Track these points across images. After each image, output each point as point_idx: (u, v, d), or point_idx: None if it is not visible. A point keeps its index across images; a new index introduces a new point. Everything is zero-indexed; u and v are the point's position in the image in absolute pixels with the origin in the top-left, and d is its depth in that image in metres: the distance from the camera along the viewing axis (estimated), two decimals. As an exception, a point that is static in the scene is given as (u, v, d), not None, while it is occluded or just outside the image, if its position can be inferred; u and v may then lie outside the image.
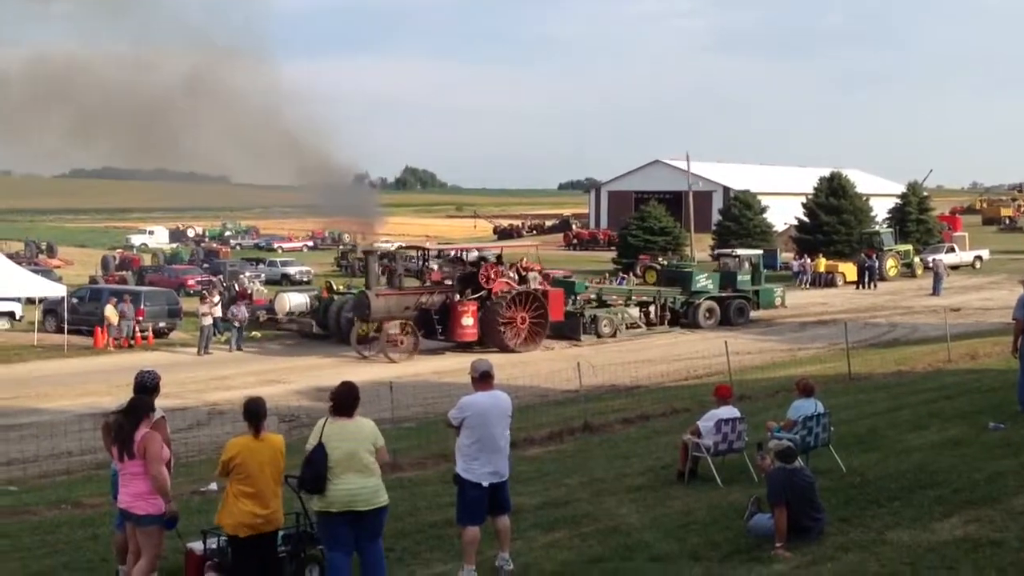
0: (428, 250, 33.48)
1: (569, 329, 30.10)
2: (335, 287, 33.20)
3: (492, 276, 28.31)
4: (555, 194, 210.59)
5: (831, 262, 49.70)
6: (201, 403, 20.58)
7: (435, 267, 29.97)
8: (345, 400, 7.06)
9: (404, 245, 36.62)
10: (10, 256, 40.55)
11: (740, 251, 38.41)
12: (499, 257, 31.75)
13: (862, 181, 70.49)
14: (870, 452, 11.82)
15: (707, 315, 32.88)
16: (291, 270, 51.44)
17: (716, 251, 43.90)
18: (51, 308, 31.89)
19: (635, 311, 32.30)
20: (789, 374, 20.81)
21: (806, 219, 59.63)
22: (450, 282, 28.99)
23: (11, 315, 32.70)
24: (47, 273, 38.78)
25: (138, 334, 30.01)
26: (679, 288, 33.22)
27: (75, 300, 32.00)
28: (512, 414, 7.86)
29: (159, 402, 7.79)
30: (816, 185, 61.12)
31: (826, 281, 47.94)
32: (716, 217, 67.61)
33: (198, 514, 9.68)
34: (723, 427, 10.80)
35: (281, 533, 7.34)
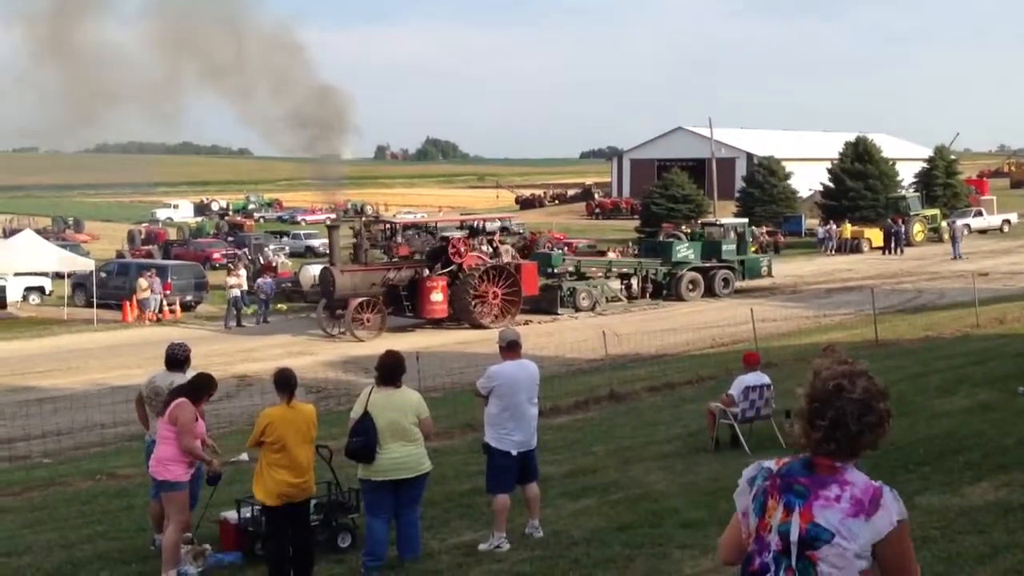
0: (395, 224, 31.83)
1: (546, 303, 29.34)
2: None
3: (462, 250, 27.29)
4: (577, 163, 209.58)
5: (857, 228, 49.24)
6: (229, 375, 20.75)
7: (402, 241, 28.81)
8: (391, 369, 7.15)
9: (370, 219, 35.28)
10: (38, 231, 41.00)
11: (724, 220, 37.36)
12: (472, 230, 30.07)
13: (888, 145, 69.58)
14: (899, 418, 11.64)
15: (690, 286, 31.88)
16: (314, 242, 51.67)
17: (700, 220, 42.47)
18: (80, 282, 32.25)
19: (616, 283, 31.51)
20: (815, 341, 20.70)
21: (831, 185, 59.05)
22: (419, 257, 27.92)
23: (41, 290, 33.11)
24: (75, 248, 39.18)
25: (165, 308, 30.30)
26: (659, 259, 32.36)
27: (103, 274, 32.33)
28: (539, 383, 7.90)
29: (190, 374, 7.89)
30: (841, 150, 60.43)
31: (852, 247, 47.53)
32: (740, 184, 67.04)
33: (230, 484, 9.80)
34: (750, 394, 10.80)
35: (313, 502, 7.45)
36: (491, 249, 28.37)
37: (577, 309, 29.40)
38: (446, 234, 28.72)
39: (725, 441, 11.00)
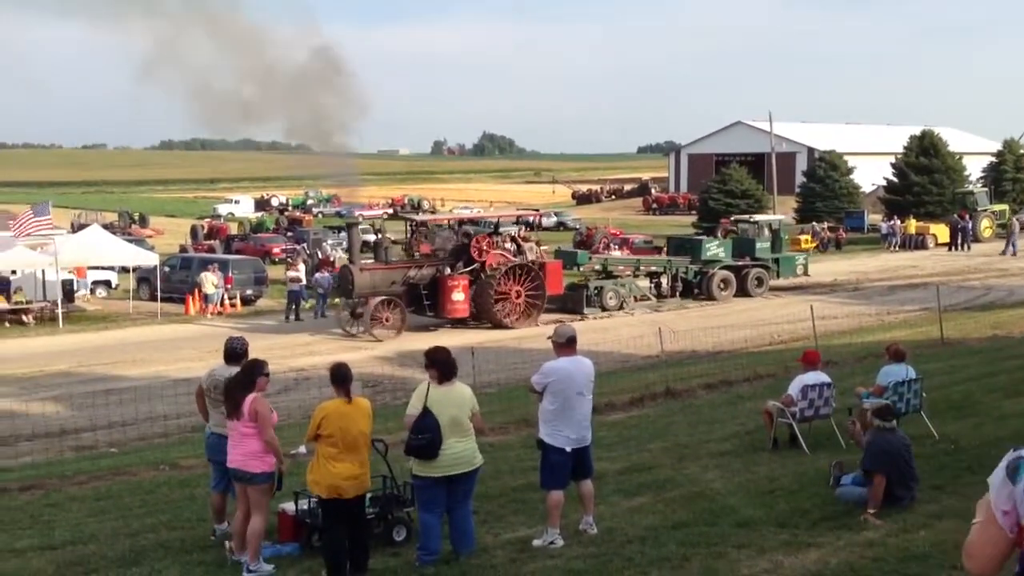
0: (416, 221, 30.91)
1: (572, 302, 28.44)
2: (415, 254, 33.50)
3: (484, 248, 26.37)
4: (634, 158, 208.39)
5: (922, 223, 48.16)
6: (287, 368, 21.04)
7: (424, 239, 27.94)
8: (450, 365, 7.17)
9: (388, 216, 34.74)
10: (105, 226, 42.04)
11: (759, 217, 36.12)
12: (496, 227, 29.29)
13: (955, 139, 67.91)
14: (964, 419, 11.49)
15: (721, 286, 30.68)
16: (371, 237, 52.09)
17: (733, 217, 41.09)
18: (144, 276, 32.98)
19: (645, 282, 30.69)
20: (878, 339, 20.30)
21: (895, 179, 57.81)
22: (441, 255, 27.16)
23: (107, 283, 33.95)
24: (140, 242, 40.04)
25: (226, 302, 30.84)
26: (688, 257, 31.22)
27: (167, 269, 33.03)
28: (594, 379, 7.87)
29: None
30: (906, 144, 59.13)
31: (916, 243, 46.49)
32: (800, 179, 66.02)
33: (288, 476, 9.90)
34: (810, 393, 10.61)
35: (369, 495, 7.51)
36: (515, 247, 27.57)
37: (604, 309, 28.44)
38: (468, 231, 28.16)
39: (783, 440, 10.83)
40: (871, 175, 64.43)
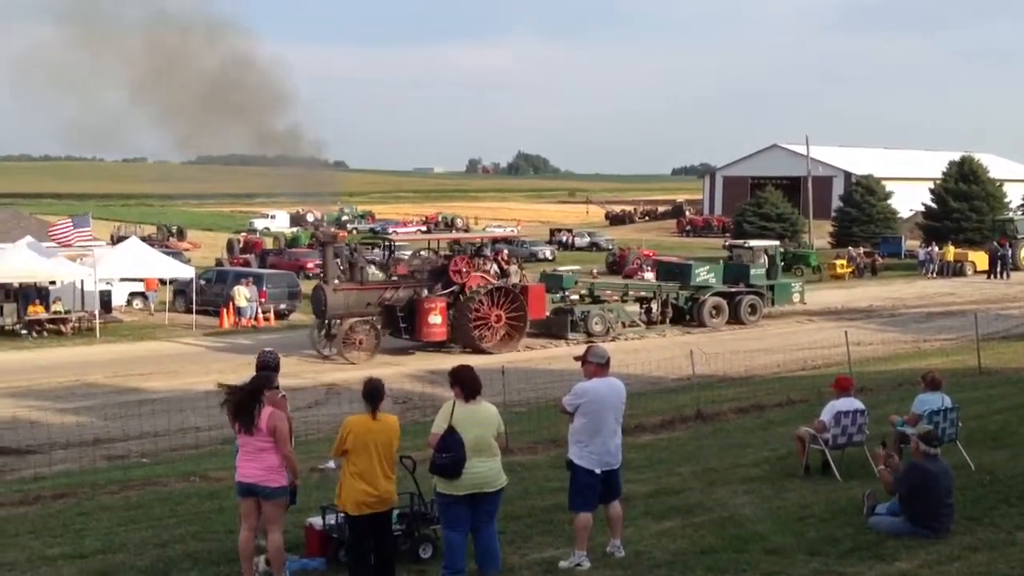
0: (393, 241, 29.92)
1: (556, 327, 27.55)
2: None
3: (464, 270, 25.51)
4: (668, 179, 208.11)
5: (960, 250, 47.55)
6: (319, 383, 21.19)
7: (402, 260, 26.89)
8: (475, 384, 7.16)
9: (367, 236, 33.59)
10: (143, 239, 42.63)
11: (754, 242, 35.00)
12: (479, 248, 28.17)
13: (995, 165, 67.16)
14: (1001, 449, 11.29)
15: (713, 312, 29.78)
16: (406, 254, 52.30)
17: (728, 242, 39.85)
18: (181, 289, 33.38)
19: (634, 308, 29.72)
20: (913, 366, 20.04)
21: (934, 205, 57.23)
22: (419, 276, 26.33)
23: (144, 296, 34.39)
24: (177, 255, 40.55)
25: (260, 315, 31.10)
26: (678, 283, 30.34)
27: (203, 282, 33.40)
28: (625, 401, 7.82)
29: (279, 381, 8.05)
30: (945, 170, 58.55)
31: (954, 270, 45.90)
32: (836, 203, 65.52)
33: (317, 490, 9.99)
34: (843, 419, 10.48)
35: (396, 512, 7.51)
36: (499, 270, 26.68)
37: (589, 335, 27.14)
38: (448, 253, 27.30)
39: (816, 467, 10.69)
40: (909, 200, 63.80)
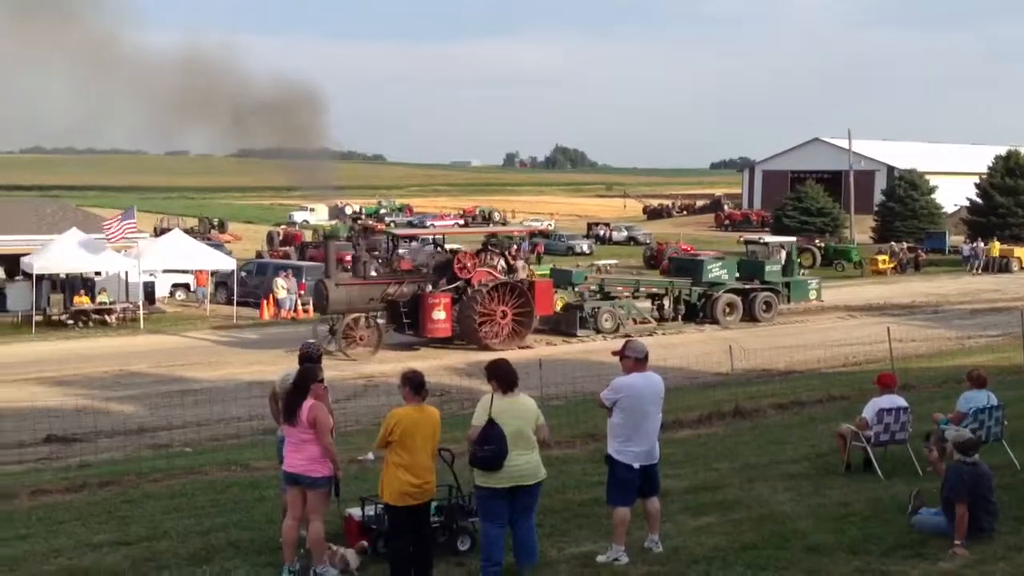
0: (397, 235, 29.59)
1: (565, 324, 27.09)
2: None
3: (469, 265, 25.01)
4: (707, 173, 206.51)
5: (1006, 246, 46.78)
6: (357, 375, 21.35)
7: (405, 254, 26.36)
8: (511, 377, 7.18)
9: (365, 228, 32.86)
10: (186, 231, 43.21)
11: (769, 238, 34.19)
12: (486, 244, 27.58)
13: (1043, 159, 65.68)
14: (1048, 450, 11.05)
15: (726, 310, 29.17)
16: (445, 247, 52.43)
17: (743, 238, 38.92)
18: (222, 281, 33.80)
19: (645, 304, 29.21)
20: (957, 364, 19.75)
21: (979, 200, 56.27)
22: (424, 271, 25.82)
23: (187, 287, 34.87)
24: (219, 248, 41.04)
25: (299, 307, 31.39)
26: (690, 279, 29.64)
27: (243, 274, 33.79)
28: (663, 396, 7.80)
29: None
30: (991, 164, 57.53)
31: (1000, 266, 45.15)
32: (879, 198, 64.64)
33: (356, 481, 10.06)
34: (885, 417, 10.35)
35: (434, 504, 7.55)
36: (505, 265, 26.16)
37: (599, 331, 26.90)
38: (453, 247, 26.74)
39: (857, 465, 10.57)
40: (953, 195, 62.80)
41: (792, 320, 30.31)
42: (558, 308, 27.39)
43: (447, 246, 28.51)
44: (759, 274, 30.35)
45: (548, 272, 30.45)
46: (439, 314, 24.27)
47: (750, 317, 29.50)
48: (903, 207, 58.73)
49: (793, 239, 35.63)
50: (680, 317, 29.20)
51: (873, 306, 33.14)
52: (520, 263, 26.67)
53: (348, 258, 44.29)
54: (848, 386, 17.35)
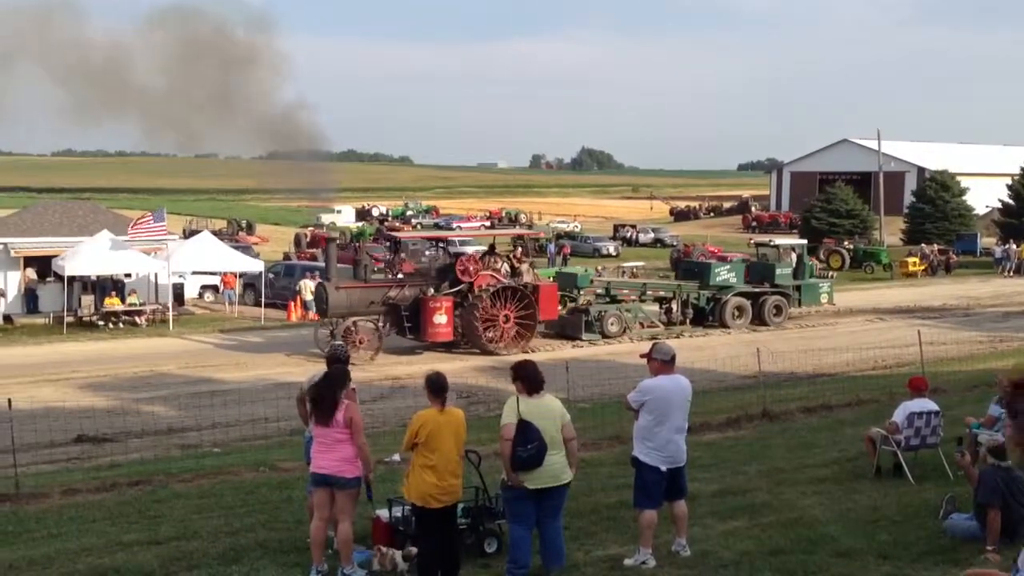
0: (399, 238, 28.74)
1: (570, 328, 26.76)
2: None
3: (471, 268, 24.65)
4: (734, 175, 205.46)
5: (1039, 248, 46.08)
6: (384, 376, 21.42)
7: (406, 257, 25.86)
8: (536, 378, 7.18)
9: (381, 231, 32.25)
10: (214, 233, 43.58)
11: (780, 240, 33.41)
12: (491, 247, 27.32)
13: (1077, 160, 64.73)
14: (1083, 455, 10.88)
15: (736, 313, 28.71)
16: (469, 249, 52.59)
17: (753, 240, 38.07)
18: (250, 282, 34.04)
19: (653, 308, 28.77)
20: (989, 367, 19.51)
21: (1011, 202, 55.54)
22: (426, 274, 25.55)
23: (215, 288, 35.16)
24: (246, 249, 41.32)
25: (327, 309, 31.50)
26: (697, 282, 29.23)
27: (271, 275, 34.01)
28: (690, 399, 7.76)
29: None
30: (1023, 165, 56.73)
31: (1033, 268, 44.50)
32: (909, 199, 63.99)
33: (382, 482, 10.08)
34: (916, 421, 10.24)
35: (461, 506, 7.56)
36: (510, 269, 25.70)
37: (604, 336, 26.53)
38: (458, 250, 26.31)
39: (887, 469, 10.47)
40: (985, 197, 62.04)
41: (820, 323, 30.09)
42: (563, 312, 27.08)
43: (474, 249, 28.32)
44: (769, 277, 29.89)
45: (554, 274, 30.10)
46: (440, 318, 23.94)
47: (760, 321, 29.00)
48: (934, 209, 58.12)
49: (803, 241, 35.11)
50: (688, 321, 28.71)
51: (903, 309, 32.82)
52: (525, 266, 26.34)
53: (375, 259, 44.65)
54: (877, 389, 17.18)
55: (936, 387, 15.21)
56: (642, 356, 7.83)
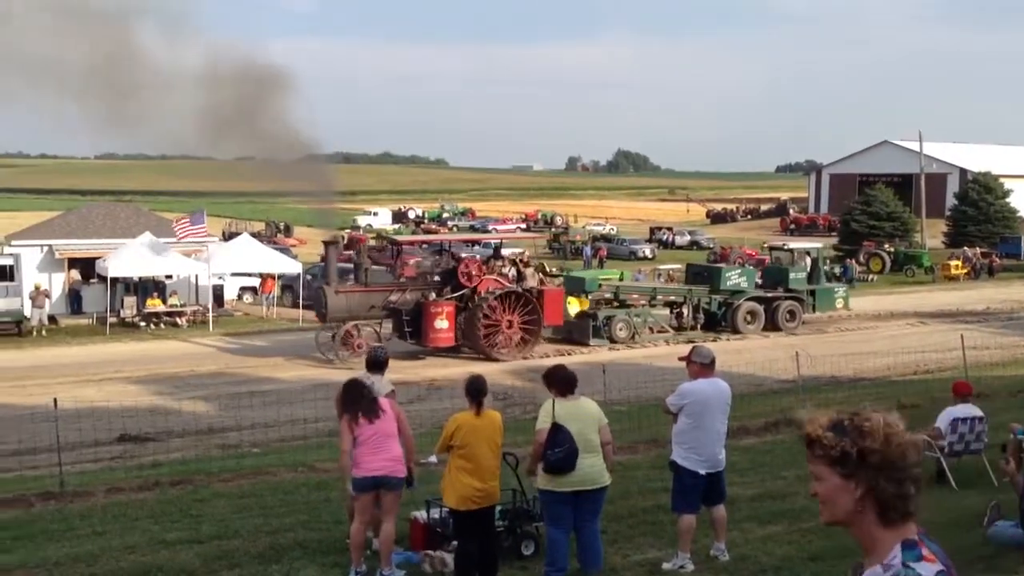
0: (400, 242, 28.25)
1: (578, 333, 26.33)
2: (548, 269, 33.66)
3: (475, 273, 24.31)
4: (772, 177, 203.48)
5: (1086, 251, 45.16)
6: (420, 378, 21.52)
7: (410, 261, 25.63)
8: (569, 380, 7.17)
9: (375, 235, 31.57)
10: (253, 235, 44.06)
11: (794, 244, 32.63)
12: (496, 250, 26.78)
13: (1125, 161, 63.43)
14: None
15: (748, 318, 28.09)
16: (505, 252, 52.66)
17: (767, 244, 36.94)
18: (288, 284, 34.36)
19: (664, 312, 28.12)
20: (1034, 372, 19.16)
21: (1056, 204, 54.46)
22: (429, 278, 25.11)
23: (254, 290, 35.54)
24: (285, 251, 41.74)
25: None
26: (707, 286, 28.51)
27: (308, 277, 34.29)
28: (730, 403, 7.72)
29: (388, 375, 8.23)
30: (1070, 166, 55.62)
31: (1079, 272, 43.62)
32: (951, 202, 63.02)
33: (420, 484, 10.12)
34: (959, 426, 10.10)
35: (499, 508, 7.58)
36: (516, 273, 25.34)
37: (613, 341, 26.14)
38: (460, 254, 26.00)
39: (930, 475, 10.32)
40: (1030, 198, 60.89)
41: (860, 327, 29.75)
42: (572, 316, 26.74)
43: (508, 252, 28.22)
44: (783, 281, 29.25)
45: (562, 277, 29.71)
46: (441, 323, 23.62)
47: (773, 326, 28.39)
48: (976, 211, 57.21)
49: (819, 245, 34.35)
50: (700, 326, 28.21)
51: (945, 312, 32.34)
52: (529, 271, 26.02)
53: (411, 262, 44.95)
54: (919, 394, 16.94)
55: (979, 392, 14.96)
56: (681, 359, 7.80)
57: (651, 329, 27.43)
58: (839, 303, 30.30)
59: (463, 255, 28.46)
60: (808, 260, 30.42)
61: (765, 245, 36.01)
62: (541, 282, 26.08)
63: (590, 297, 27.57)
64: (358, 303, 23.82)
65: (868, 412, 2.37)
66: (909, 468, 2.35)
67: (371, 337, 23.72)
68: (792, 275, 29.35)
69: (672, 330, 27.93)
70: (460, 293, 24.23)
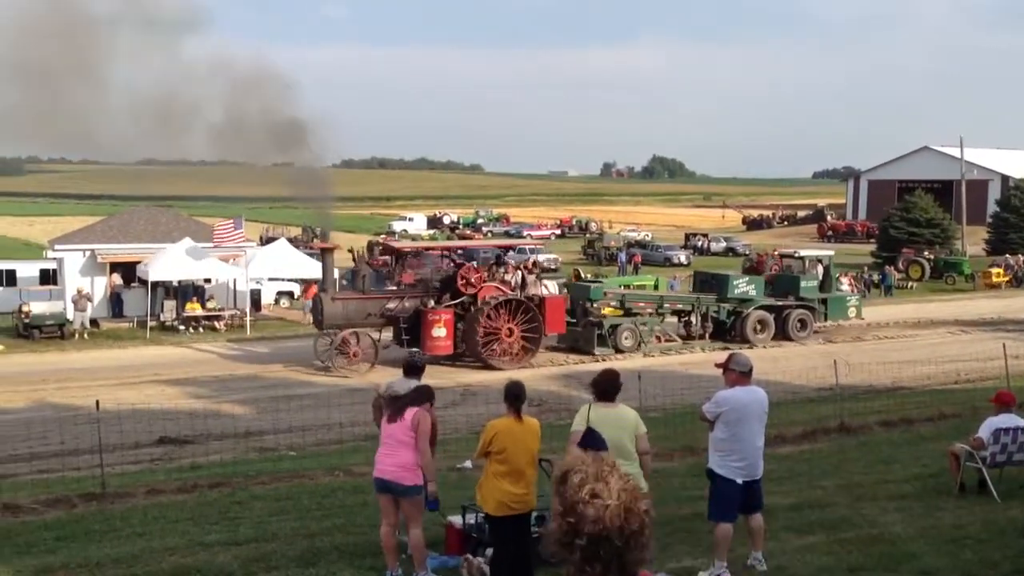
0: (399, 248, 28.26)
1: (582, 341, 25.97)
2: (583, 275, 33.62)
3: (473, 280, 24.00)
4: (809, 183, 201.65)
5: None
6: (455, 384, 21.58)
7: (408, 268, 25.46)
8: (609, 386, 7.16)
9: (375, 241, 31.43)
10: (289, 240, 44.49)
11: (805, 252, 31.96)
12: (499, 257, 26.66)
13: None
14: None
15: (757, 327, 27.48)
16: (540, 257, 52.67)
17: (778, 251, 35.91)
18: (324, 289, 34.56)
19: (672, 321, 27.78)
20: (1079, 383, 18.77)
21: (1101, 211, 53.42)
22: (428, 285, 24.72)
23: (290, 294, 35.88)
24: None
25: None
26: (715, 295, 27.93)
27: (344, 282, 34.48)
28: (767, 411, 7.66)
29: (424, 380, 8.26)
30: (1116, 172, 54.55)
31: (1126, 280, 42.73)
32: (992, 208, 62.07)
33: (456, 489, 10.17)
34: (1002, 437, 9.94)
35: (535, 514, 7.57)
36: (520, 281, 24.97)
37: (618, 350, 25.68)
38: (460, 261, 25.93)
39: (971, 486, 10.18)
40: (1074, 205, 59.71)
41: (899, 335, 29.37)
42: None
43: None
44: (794, 290, 28.63)
45: (567, 284, 29.17)
46: (439, 331, 23.34)
47: (783, 335, 27.81)
48: (1018, 218, 56.29)
49: (831, 252, 33.57)
50: (708, 335, 27.70)
51: (986, 321, 31.83)
52: (532, 278, 25.63)
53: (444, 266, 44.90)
54: (960, 404, 16.70)
55: (1022, 403, 14.73)
56: (718, 366, 7.76)
57: (658, 338, 27.01)
58: (852, 312, 29.65)
59: (472, 261, 28.30)
60: (820, 268, 29.88)
61: (775, 252, 35.03)
62: (542, 289, 25.77)
63: (595, 305, 27.03)
64: (355, 310, 23.61)
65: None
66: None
67: (369, 345, 23.55)
68: (803, 283, 28.78)
69: (680, 339, 27.56)
70: (459, 300, 24.00)
